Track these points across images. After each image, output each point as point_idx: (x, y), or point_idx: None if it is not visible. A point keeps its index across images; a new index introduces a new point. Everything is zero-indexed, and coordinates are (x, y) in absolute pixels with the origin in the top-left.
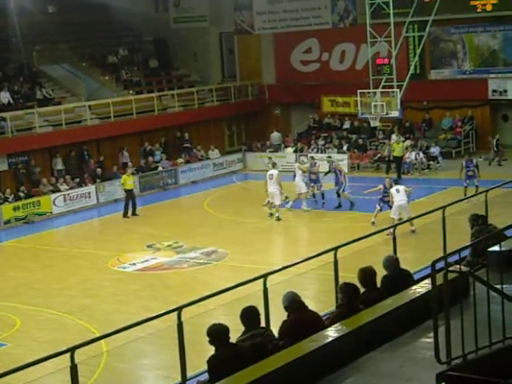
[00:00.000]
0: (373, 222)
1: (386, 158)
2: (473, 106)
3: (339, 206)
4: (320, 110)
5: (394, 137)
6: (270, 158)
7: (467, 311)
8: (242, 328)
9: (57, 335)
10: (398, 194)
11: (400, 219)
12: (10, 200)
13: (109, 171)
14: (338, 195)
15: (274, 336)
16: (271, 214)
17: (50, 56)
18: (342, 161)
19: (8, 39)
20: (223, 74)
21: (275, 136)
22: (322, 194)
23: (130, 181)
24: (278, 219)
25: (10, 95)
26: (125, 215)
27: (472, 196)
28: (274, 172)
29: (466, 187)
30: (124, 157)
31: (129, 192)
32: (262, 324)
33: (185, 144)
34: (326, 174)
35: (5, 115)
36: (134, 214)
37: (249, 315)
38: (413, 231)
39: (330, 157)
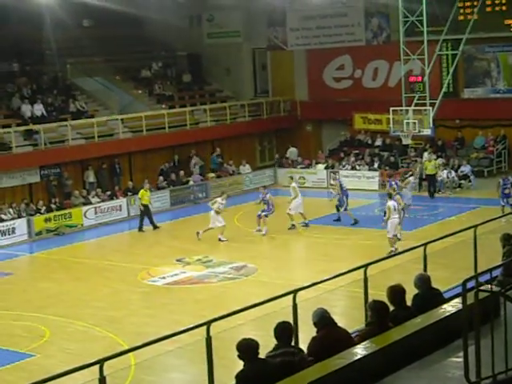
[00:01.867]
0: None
1: (418, 176)
2: (506, 125)
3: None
4: (352, 126)
5: (426, 155)
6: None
7: (497, 331)
8: (271, 344)
9: (85, 347)
10: (395, 212)
11: (395, 235)
12: (42, 212)
13: (140, 185)
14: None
15: (306, 357)
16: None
17: (84, 69)
18: (373, 178)
19: (43, 52)
20: (255, 90)
21: (293, 152)
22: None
23: (146, 196)
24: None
25: (44, 108)
26: (140, 229)
27: (505, 215)
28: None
29: (503, 206)
30: (192, 164)
31: (145, 207)
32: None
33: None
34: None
35: (38, 127)
36: (155, 227)
37: (283, 330)
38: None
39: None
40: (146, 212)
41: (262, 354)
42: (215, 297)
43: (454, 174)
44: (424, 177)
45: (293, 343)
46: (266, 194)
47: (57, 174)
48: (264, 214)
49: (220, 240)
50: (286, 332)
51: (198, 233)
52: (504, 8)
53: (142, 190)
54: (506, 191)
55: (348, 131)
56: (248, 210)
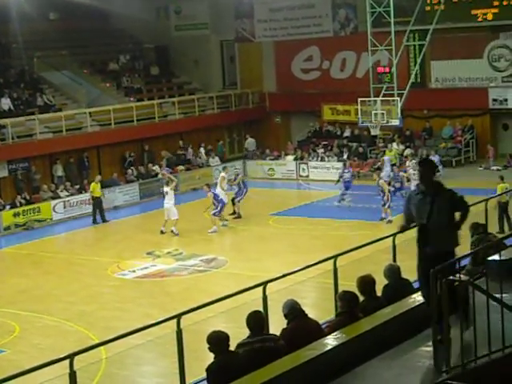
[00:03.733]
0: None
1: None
2: (473, 115)
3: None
4: (320, 118)
5: (394, 145)
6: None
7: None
8: (241, 336)
9: (56, 342)
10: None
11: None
12: (9, 206)
13: (108, 178)
14: (234, 203)
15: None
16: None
17: (51, 62)
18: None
19: (9, 45)
20: (224, 82)
21: (250, 142)
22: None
23: (98, 188)
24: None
25: (11, 102)
26: (94, 222)
27: (471, 205)
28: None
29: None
30: (188, 153)
31: (96, 199)
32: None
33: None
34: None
35: (5, 122)
36: (104, 220)
37: (255, 320)
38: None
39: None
40: (97, 205)
41: (233, 346)
42: (186, 289)
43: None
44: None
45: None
46: (207, 193)
47: (25, 169)
48: (237, 199)
49: (172, 232)
50: (258, 322)
51: (162, 231)
52: None
53: (93, 183)
54: (397, 184)
55: (317, 122)
56: None
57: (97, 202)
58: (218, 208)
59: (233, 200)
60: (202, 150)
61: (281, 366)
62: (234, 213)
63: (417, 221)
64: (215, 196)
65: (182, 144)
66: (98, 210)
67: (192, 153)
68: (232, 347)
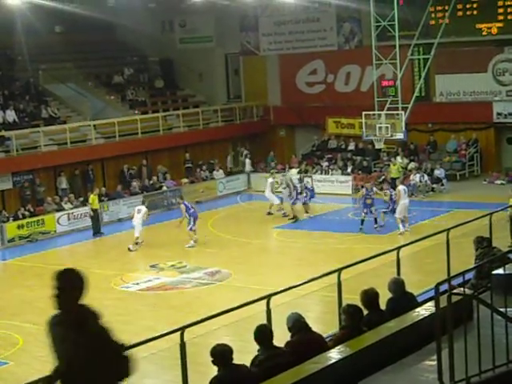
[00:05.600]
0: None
1: (390, 180)
2: (478, 129)
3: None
4: (325, 131)
5: (398, 159)
6: None
7: (471, 334)
8: (245, 349)
9: None
10: (405, 195)
11: (404, 216)
12: (12, 218)
13: (113, 191)
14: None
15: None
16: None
17: (56, 75)
18: (346, 182)
19: (14, 58)
20: (228, 95)
21: (247, 162)
22: (375, 219)
23: (96, 201)
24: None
25: (16, 114)
26: (94, 234)
27: (474, 219)
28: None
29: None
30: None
31: (95, 211)
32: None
33: (186, 164)
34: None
35: (10, 134)
36: (95, 233)
37: (263, 333)
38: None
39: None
40: (95, 217)
41: (237, 359)
42: (189, 302)
43: (426, 177)
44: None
45: None
46: (180, 205)
47: (29, 181)
48: (304, 200)
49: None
50: (266, 335)
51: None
52: (475, 12)
53: (92, 195)
54: (368, 201)
55: (321, 136)
56: (222, 216)
57: (95, 215)
58: (192, 221)
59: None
60: (244, 152)
61: (285, 380)
62: (294, 217)
63: None
64: (187, 208)
65: (188, 157)
66: (93, 222)
67: (229, 160)
68: (236, 360)
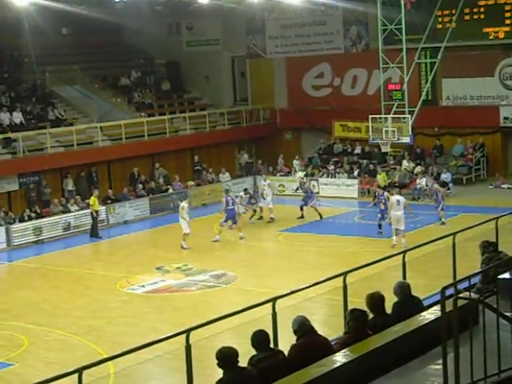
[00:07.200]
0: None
1: (396, 184)
2: (484, 133)
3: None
4: (331, 134)
5: (404, 163)
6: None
7: (476, 338)
8: (250, 352)
9: (64, 356)
10: (398, 206)
11: (396, 229)
12: (18, 220)
13: (119, 193)
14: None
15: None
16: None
17: (63, 77)
18: (353, 186)
19: (21, 60)
20: (235, 98)
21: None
22: (379, 225)
23: (97, 202)
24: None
25: (23, 115)
26: (96, 236)
27: (481, 223)
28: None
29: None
30: (156, 175)
31: (95, 213)
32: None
33: (196, 167)
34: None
35: (17, 135)
36: (92, 235)
37: (259, 339)
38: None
39: (302, 178)
40: (94, 219)
41: (242, 362)
42: (195, 305)
43: (432, 181)
44: (397, 185)
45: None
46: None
47: (36, 182)
48: (312, 203)
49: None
50: (263, 340)
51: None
52: (482, 16)
53: (92, 197)
54: (382, 206)
55: (327, 139)
56: None
57: (93, 217)
58: (224, 218)
59: (301, 206)
60: (295, 162)
61: (290, 383)
62: (302, 217)
63: None
64: (227, 204)
65: (197, 159)
66: (93, 224)
67: (260, 164)
68: (242, 363)
